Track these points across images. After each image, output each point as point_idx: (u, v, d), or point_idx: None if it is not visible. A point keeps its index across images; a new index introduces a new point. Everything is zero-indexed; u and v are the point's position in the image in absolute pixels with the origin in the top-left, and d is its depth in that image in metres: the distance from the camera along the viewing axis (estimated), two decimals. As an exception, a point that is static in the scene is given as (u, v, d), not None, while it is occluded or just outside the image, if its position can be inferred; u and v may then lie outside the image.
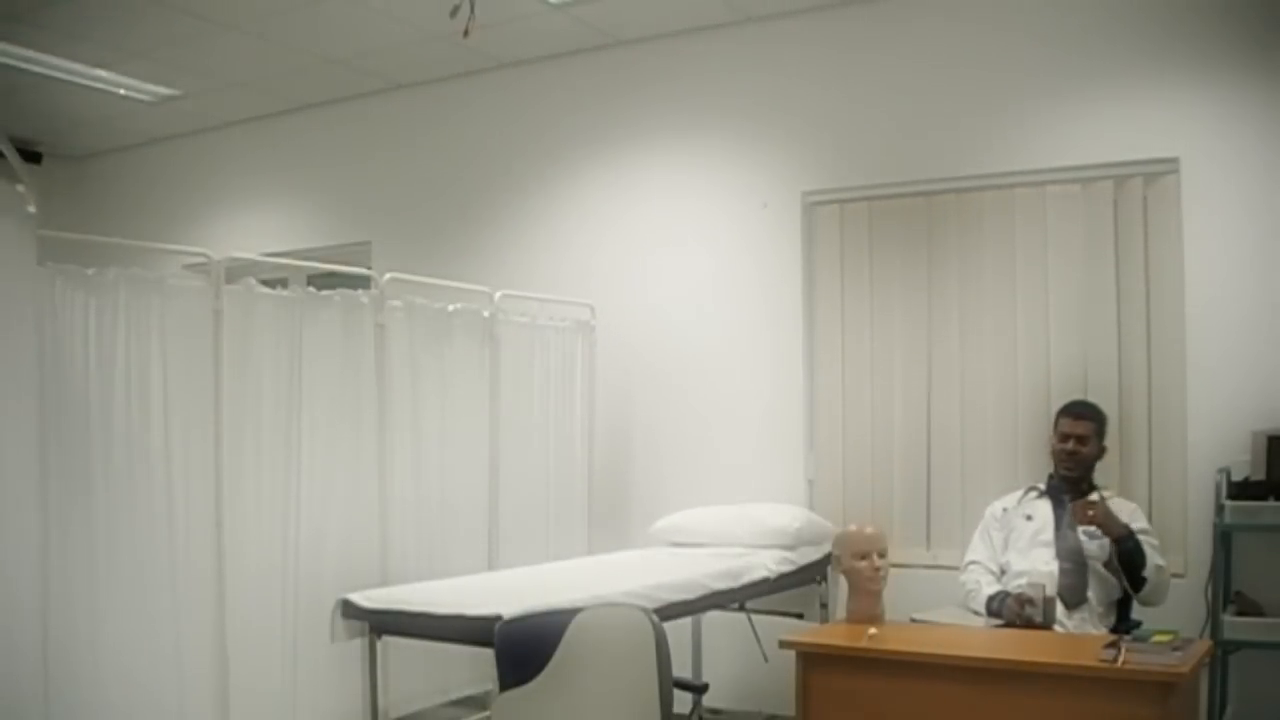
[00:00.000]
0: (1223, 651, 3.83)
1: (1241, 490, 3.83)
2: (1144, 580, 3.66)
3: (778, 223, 4.97)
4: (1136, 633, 3.22)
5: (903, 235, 4.76)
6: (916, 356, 4.73)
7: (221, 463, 3.51)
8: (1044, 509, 3.89)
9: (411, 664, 3.87)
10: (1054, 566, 3.70)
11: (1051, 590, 3.58)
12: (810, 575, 4.24)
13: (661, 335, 5.18)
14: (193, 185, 6.75)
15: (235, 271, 3.70)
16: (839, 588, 4.06)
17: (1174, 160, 4.19)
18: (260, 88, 5.99)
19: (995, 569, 3.91)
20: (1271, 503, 3.77)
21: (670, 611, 3.38)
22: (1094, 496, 3.85)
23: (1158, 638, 3.05)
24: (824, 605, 4.30)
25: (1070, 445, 3.91)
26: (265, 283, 3.83)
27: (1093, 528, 3.74)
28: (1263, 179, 4.06)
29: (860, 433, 4.83)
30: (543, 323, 4.87)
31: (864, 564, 3.66)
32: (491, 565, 4.43)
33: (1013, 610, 3.60)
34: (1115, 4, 4.31)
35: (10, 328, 2.84)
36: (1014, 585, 3.73)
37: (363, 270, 4.55)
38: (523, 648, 2.76)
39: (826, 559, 4.15)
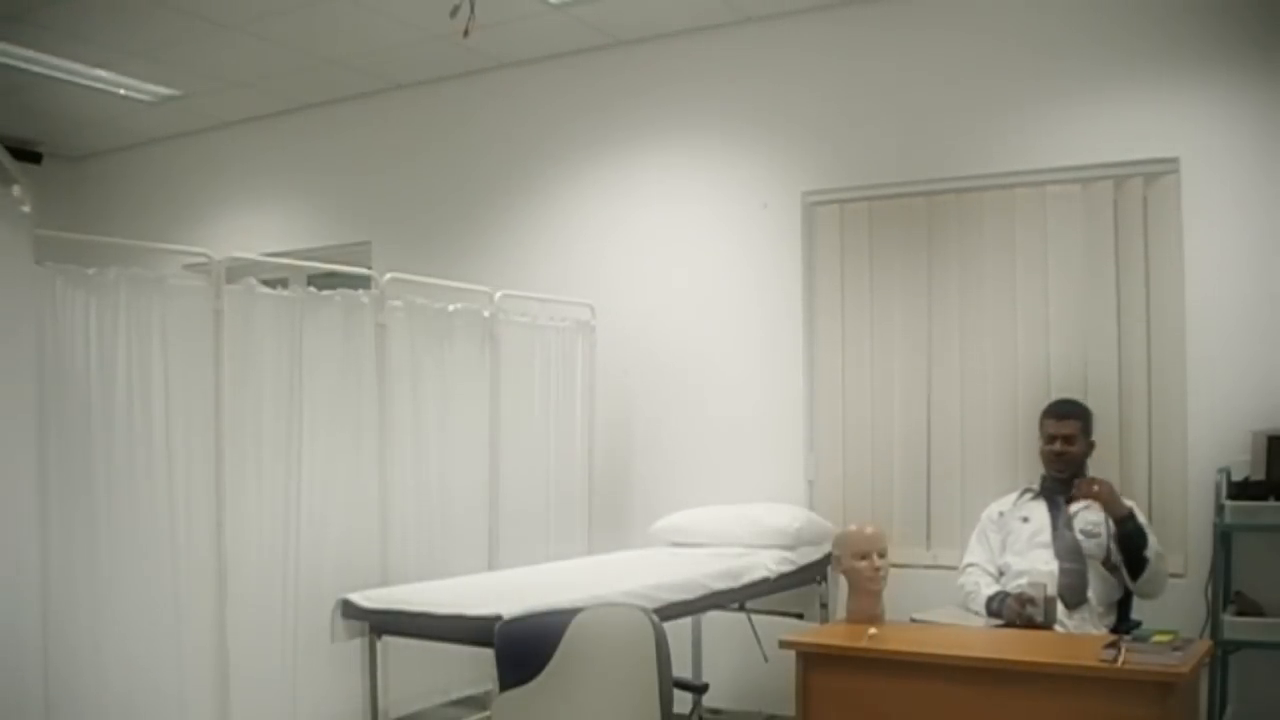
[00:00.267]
0: (1223, 651, 3.83)
1: (1241, 490, 3.83)
2: (1145, 561, 3.64)
3: (778, 223, 4.97)
4: (1136, 633, 3.23)
5: (903, 235, 4.76)
6: (916, 356, 4.73)
7: (222, 462, 3.51)
8: (1040, 510, 3.89)
9: (411, 664, 3.87)
10: (1054, 566, 3.70)
11: (1052, 590, 3.57)
12: (810, 575, 4.24)
13: (662, 335, 5.18)
14: (193, 185, 6.75)
15: (236, 271, 3.70)
16: (839, 588, 4.06)
17: (1174, 160, 4.19)
18: (260, 88, 5.99)
19: (993, 571, 3.91)
20: (1271, 503, 3.77)
21: (670, 611, 3.38)
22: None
23: (1158, 638, 3.05)
24: (824, 605, 4.30)
25: (1057, 446, 3.91)
26: (266, 283, 3.83)
27: (1090, 527, 3.74)
28: (1262, 179, 4.06)
29: (860, 433, 4.83)
30: (543, 323, 4.87)
31: (864, 564, 3.66)
32: (491, 565, 4.43)
33: (1013, 610, 3.59)
34: (1115, 5, 4.31)
35: (9, 328, 2.84)
36: (1014, 585, 3.73)
37: (363, 270, 4.56)
38: (523, 648, 2.76)
39: (826, 559, 4.15)
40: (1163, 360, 4.26)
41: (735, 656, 4.50)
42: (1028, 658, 3.13)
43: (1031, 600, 3.55)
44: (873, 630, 3.42)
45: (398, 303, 4.21)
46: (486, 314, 4.57)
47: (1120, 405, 4.32)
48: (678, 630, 3.50)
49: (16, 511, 2.84)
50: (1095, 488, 3.70)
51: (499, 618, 2.87)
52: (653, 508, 4.69)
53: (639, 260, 5.27)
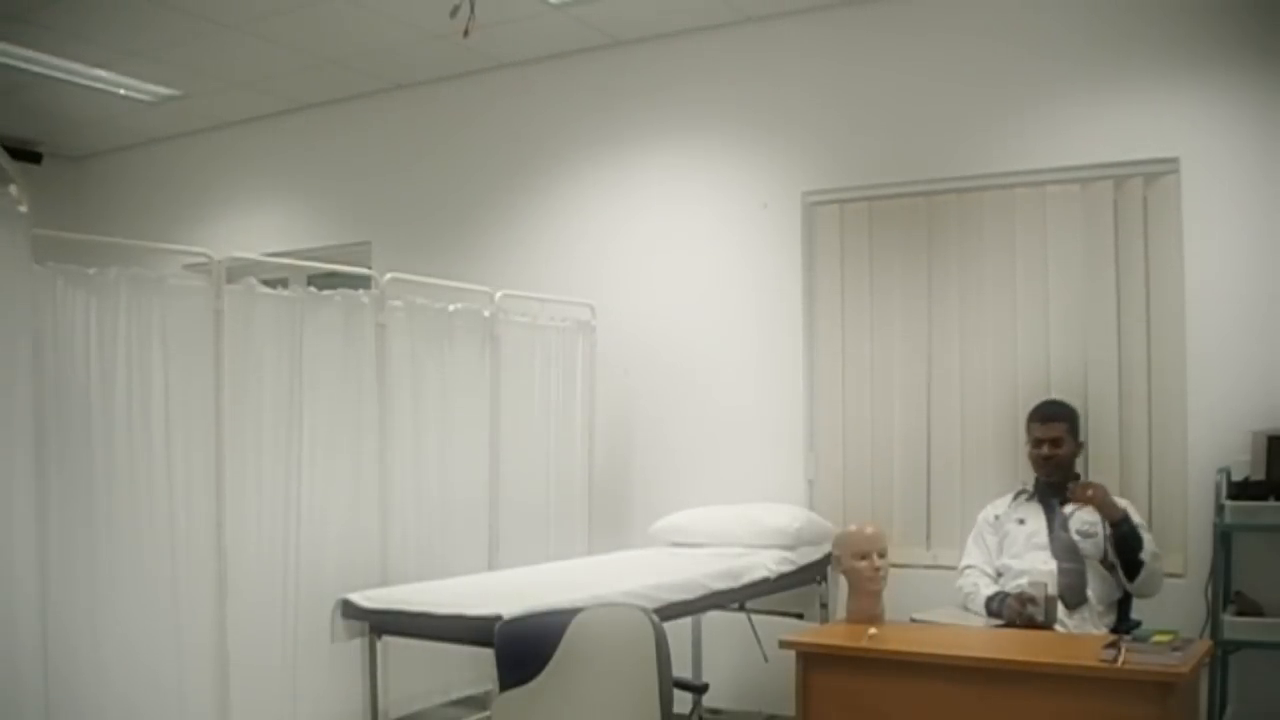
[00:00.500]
0: (1223, 651, 3.83)
1: (1241, 490, 3.83)
2: (1140, 564, 3.64)
3: (778, 223, 4.97)
4: (1136, 633, 3.23)
5: (903, 235, 4.76)
6: (916, 356, 4.73)
7: (222, 462, 3.51)
8: (1035, 512, 3.89)
9: (411, 664, 3.87)
10: (1053, 566, 3.70)
11: (1053, 589, 3.57)
12: (810, 575, 4.24)
13: (662, 335, 5.18)
14: (193, 185, 6.75)
15: (236, 271, 3.70)
16: (839, 588, 4.06)
17: (1174, 160, 4.19)
18: (260, 88, 5.99)
19: (990, 572, 3.91)
20: (1271, 503, 3.77)
21: (670, 611, 3.38)
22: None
23: (1158, 638, 3.05)
24: (824, 605, 4.30)
25: (1045, 450, 3.90)
26: (266, 283, 3.83)
27: (1086, 527, 3.74)
28: (1262, 179, 4.05)
29: (860, 433, 4.83)
30: (543, 323, 4.87)
31: (864, 564, 3.66)
32: (491, 565, 4.43)
33: (1013, 609, 3.59)
34: (1115, 5, 4.31)
35: (9, 328, 2.85)
36: (1013, 586, 3.73)
37: (363, 270, 4.56)
38: (523, 648, 2.76)
39: (826, 559, 4.15)
40: (1163, 360, 4.26)
41: (735, 656, 4.50)
42: (1028, 658, 3.13)
43: (1032, 600, 3.55)
44: (873, 630, 3.42)
45: (398, 303, 4.21)
46: (487, 314, 4.57)
47: (1120, 405, 4.32)
48: (678, 630, 3.50)
49: (16, 511, 2.84)
50: (1089, 492, 3.69)
51: (499, 618, 2.87)
52: (653, 508, 4.69)
53: (639, 260, 5.27)
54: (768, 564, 4.02)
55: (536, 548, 4.60)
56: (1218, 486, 3.93)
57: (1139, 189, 4.34)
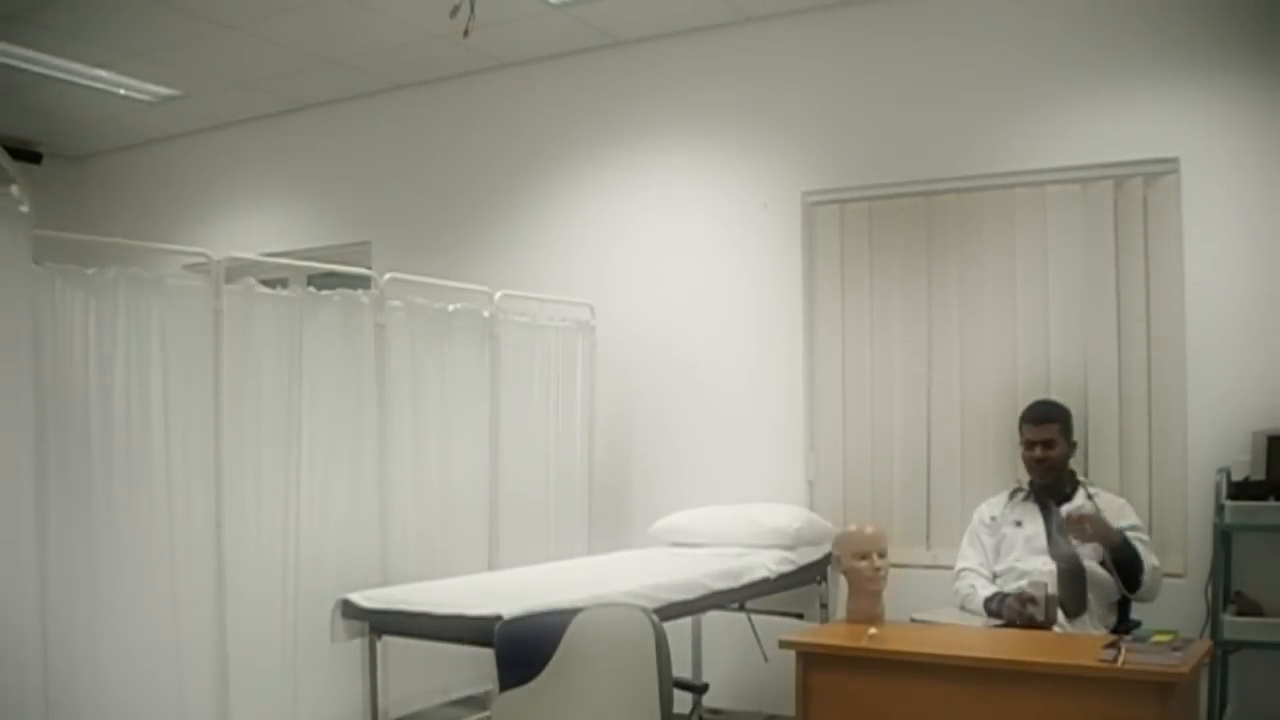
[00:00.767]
0: (1223, 651, 3.83)
1: (1241, 490, 3.83)
2: (1140, 583, 3.64)
3: (778, 223, 4.97)
4: (1136, 633, 3.22)
5: (903, 235, 4.76)
6: (916, 356, 4.73)
7: (221, 462, 3.51)
8: (1032, 514, 3.85)
9: (411, 664, 3.87)
10: (1053, 566, 3.68)
11: (1053, 589, 3.56)
12: (810, 575, 4.24)
13: (662, 335, 5.18)
14: (193, 185, 6.76)
15: (235, 271, 3.70)
16: (839, 588, 4.06)
17: (1174, 160, 4.19)
18: (260, 88, 5.99)
19: (987, 574, 3.88)
20: (1271, 503, 3.77)
21: (670, 611, 3.38)
22: (1080, 496, 3.83)
23: (1158, 638, 3.05)
24: (824, 605, 4.30)
25: (1038, 453, 3.87)
26: (265, 283, 3.83)
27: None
28: (1262, 179, 4.05)
29: (860, 433, 4.83)
30: (543, 323, 4.87)
31: (864, 564, 3.66)
32: (491, 565, 4.43)
33: (1013, 610, 3.58)
34: (1115, 5, 4.31)
35: (8, 328, 2.85)
36: (1013, 586, 3.72)
37: (363, 270, 4.56)
38: (523, 648, 2.76)
39: (826, 559, 4.15)
40: (1163, 360, 4.26)
41: (735, 656, 4.50)
42: (1028, 658, 3.13)
43: (1032, 599, 3.54)
44: (873, 630, 3.42)
45: (397, 303, 4.21)
46: (486, 314, 4.57)
47: (1120, 405, 4.32)
48: (678, 630, 3.50)
49: (16, 511, 2.84)
50: (1087, 527, 3.62)
51: (499, 618, 2.87)
52: (653, 508, 4.69)
53: (639, 260, 5.27)
54: (768, 564, 4.02)
55: (536, 548, 4.60)
56: (1218, 486, 3.93)
57: (1139, 189, 4.34)
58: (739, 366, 5.01)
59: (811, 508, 4.66)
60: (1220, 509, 3.87)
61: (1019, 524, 3.86)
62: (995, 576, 3.87)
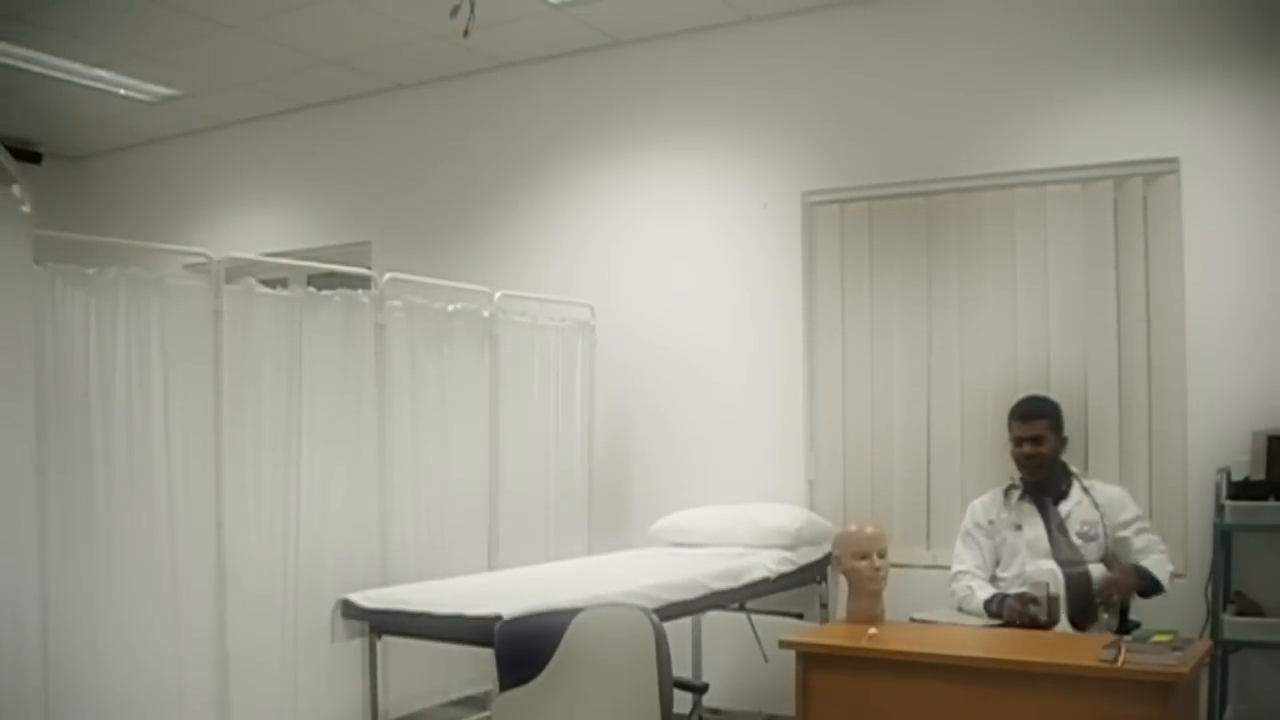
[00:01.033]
0: (1223, 651, 3.83)
1: (1241, 490, 3.83)
2: (1162, 590, 3.62)
3: (778, 223, 4.97)
4: (1136, 633, 3.22)
5: (903, 235, 4.76)
6: (916, 356, 4.73)
7: (221, 462, 3.51)
8: (1031, 516, 3.79)
9: (411, 664, 3.87)
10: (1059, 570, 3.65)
11: (1055, 588, 3.54)
12: (810, 575, 4.24)
13: (661, 335, 5.18)
14: (193, 185, 6.76)
15: (235, 271, 3.70)
16: (839, 588, 4.06)
17: (1174, 160, 4.19)
18: (260, 88, 5.99)
19: (985, 576, 3.84)
20: (1271, 503, 3.77)
21: (670, 611, 3.38)
22: (1076, 492, 3.78)
23: (1158, 638, 3.05)
24: (824, 605, 4.30)
25: (1027, 449, 3.82)
26: (265, 283, 3.83)
27: (1087, 528, 3.70)
28: (1262, 179, 4.05)
29: (860, 433, 4.83)
30: (543, 323, 4.87)
31: (864, 564, 3.66)
32: (491, 565, 4.43)
33: (1015, 610, 3.56)
34: (1115, 5, 4.31)
35: (9, 328, 2.85)
36: (1014, 589, 3.70)
37: (363, 270, 4.56)
38: (523, 648, 2.76)
39: (826, 559, 4.15)
40: (1163, 360, 4.26)
41: (735, 656, 4.50)
42: (1028, 658, 3.13)
43: (1034, 599, 3.53)
44: (873, 630, 3.42)
45: (397, 303, 4.21)
46: (486, 314, 4.57)
47: (1120, 405, 4.32)
48: (678, 630, 3.50)
49: (16, 511, 2.84)
50: (1115, 598, 3.55)
51: (499, 618, 2.87)
52: (653, 508, 4.69)
53: (639, 260, 5.27)
54: (768, 564, 4.02)
55: (536, 548, 4.60)
56: (1218, 486, 3.93)
57: (1139, 189, 4.34)
58: (739, 366, 5.01)
59: (811, 508, 4.66)
60: (1220, 509, 3.88)
61: (1019, 527, 3.81)
62: (995, 579, 3.84)
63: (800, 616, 4.32)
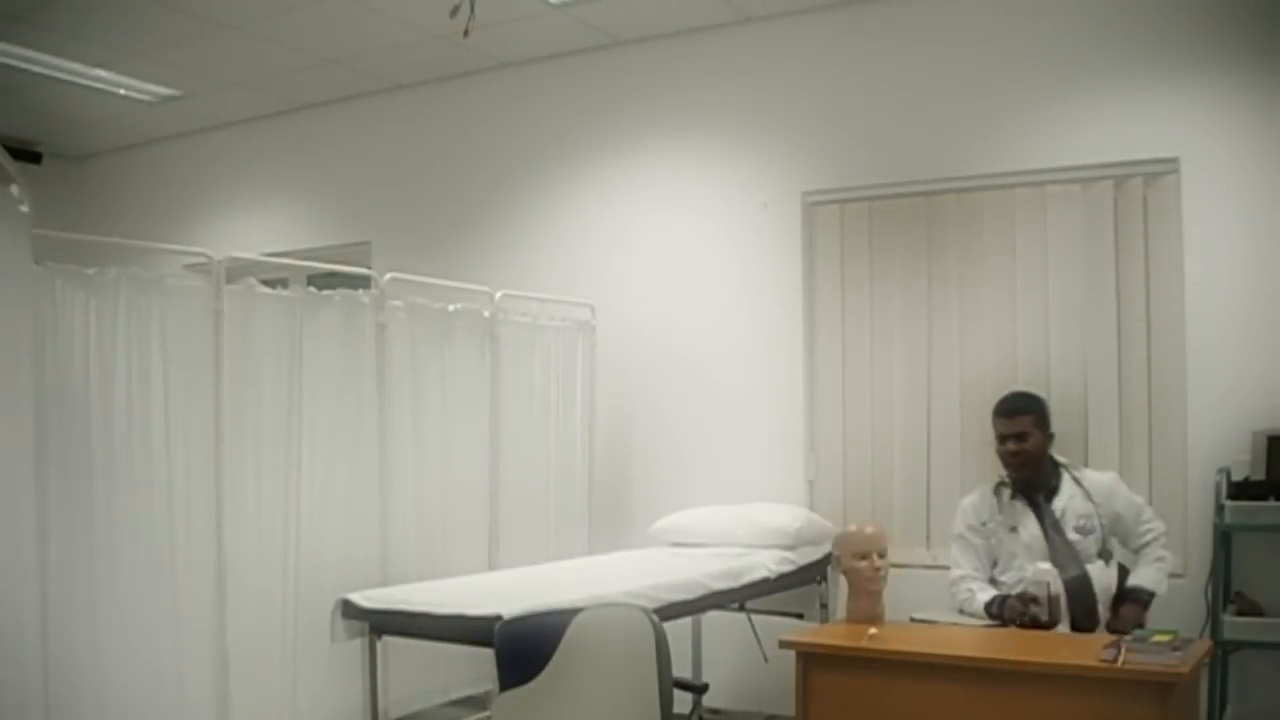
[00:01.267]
0: (1223, 651, 3.83)
1: (1241, 490, 3.83)
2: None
3: (778, 223, 4.97)
4: (1136, 633, 3.22)
5: (903, 235, 4.76)
6: (916, 356, 4.73)
7: (222, 462, 3.51)
8: (1025, 516, 3.74)
9: (411, 664, 3.87)
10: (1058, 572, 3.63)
11: (1055, 588, 3.52)
12: (810, 575, 4.24)
13: (662, 335, 5.18)
14: (193, 185, 6.76)
15: (235, 271, 3.70)
16: (839, 588, 4.06)
17: (1174, 160, 4.19)
18: (260, 88, 5.99)
19: (984, 578, 3.81)
20: (1271, 503, 3.77)
21: (670, 611, 3.38)
22: (1068, 484, 3.73)
23: (1158, 638, 3.05)
24: (824, 605, 4.30)
25: (1010, 446, 3.74)
26: (265, 283, 3.84)
27: (1082, 521, 3.66)
28: (1262, 179, 4.05)
29: (860, 433, 4.83)
30: (543, 323, 4.87)
31: (864, 564, 3.66)
32: (491, 565, 4.43)
33: (1016, 610, 3.55)
34: (1115, 5, 4.31)
35: (8, 328, 2.85)
36: (1015, 591, 3.68)
37: (363, 270, 4.56)
38: (523, 648, 2.76)
39: (826, 559, 4.15)
40: (1163, 360, 4.26)
41: (735, 656, 4.50)
42: (1028, 658, 3.13)
43: (1035, 599, 3.51)
44: (873, 630, 3.42)
45: (398, 303, 4.21)
46: (487, 314, 4.57)
47: (1120, 405, 4.32)
48: (678, 630, 3.50)
49: (16, 511, 2.84)
50: (1127, 631, 3.40)
51: (499, 618, 2.87)
52: (653, 508, 4.69)
53: (639, 260, 5.27)
54: (768, 564, 4.02)
55: (536, 548, 4.60)
56: (1218, 486, 3.93)
57: (1139, 189, 4.34)
58: (739, 366, 5.01)
59: (811, 508, 4.66)
60: (1220, 509, 3.88)
61: (1014, 529, 3.76)
62: (994, 581, 3.82)
63: (800, 616, 4.32)
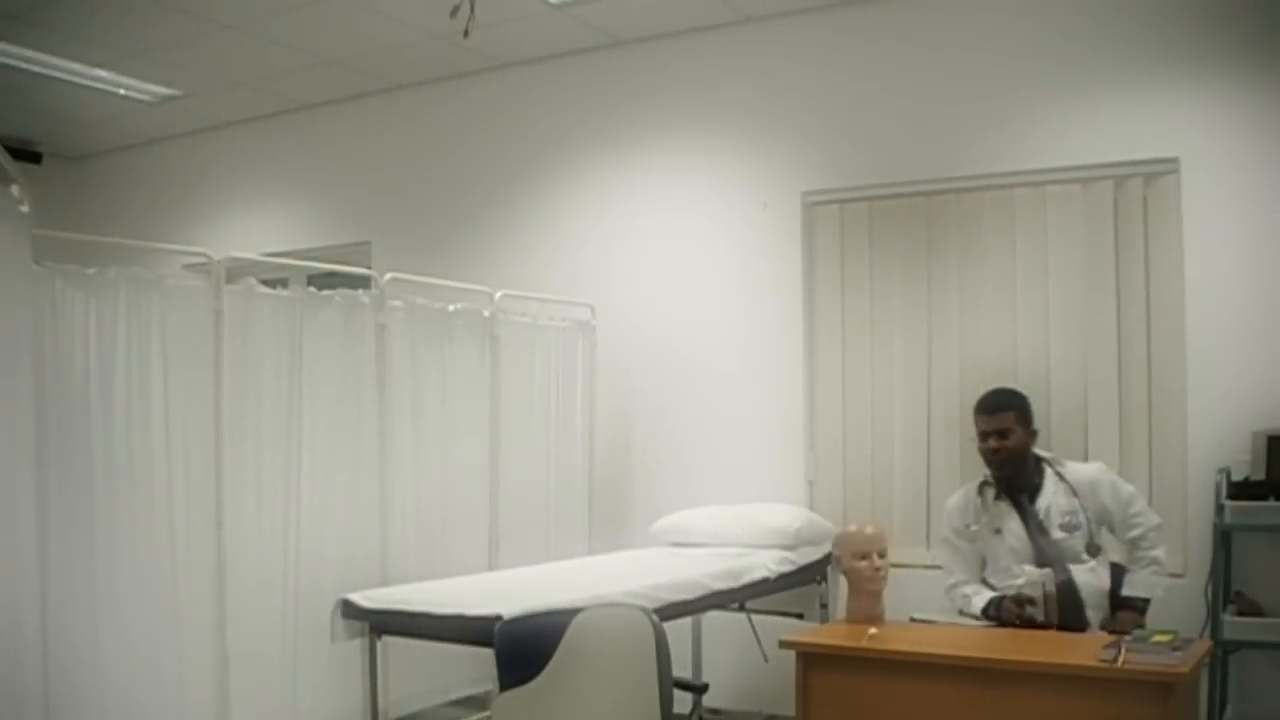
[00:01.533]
0: (1223, 651, 3.83)
1: (1241, 490, 3.83)
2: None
3: (777, 223, 4.97)
4: (1137, 633, 3.22)
5: (903, 235, 4.76)
6: (916, 356, 4.73)
7: (222, 463, 3.51)
8: (1010, 517, 3.70)
9: (411, 664, 3.87)
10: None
11: (1051, 587, 3.53)
12: (810, 575, 4.24)
13: (662, 335, 5.18)
14: (193, 185, 6.76)
15: (235, 271, 3.70)
16: (839, 588, 4.06)
17: (1174, 160, 4.19)
18: (260, 88, 5.99)
19: (978, 581, 3.79)
20: (1271, 503, 3.77)
21: (670, 611, 3.38)
22: (1051, 481, 3.68)
23: (1158, 638, 3.05)
24: (824, 605, 4.30)
25: (992, 444, 3.68)
26: (265, 283, 3.83)
27: (1067, 519, 3.61)
28: (1262, 179, 4.05)
29: (860, 433, 4.83)
30: (543, 323, 4.87)
31: (864, 564, 3.66)
32: (491, 565, 4.43)
33: (1012, 612, 3.55)
34: (1115, 5, 4.31)
35: (8, 328, 2.84)
36: (1010, 593, 3.67)
37: (363, 270, 4.56)
38: (523, 648, 2.76)
39: (826, 559, 4.15)
40: (1163, 360, 4.26)
41: (735, 656, 4.50)
42: (1028, 658, 3.13)
43: (1030, 600, 3.53)
44: (873, 630, 3.42)
45: (398, 303, 4.21)
46: (487, 314, 4.57)
47: (1120, 405, 4.32)
48: (678, 630, 3.50)
49: (16, 510, 2.84)
50: (1127, 626, 3.41)
51: (499, 618, 2.87)
52: (653, 508, 4.69)
53: (639, 260, 5.27)
54: (768, 564, 4.02)
55: (536, 548, 4.60)
56: (1218, 486, 3.93)
57: (1139, 189, 4.34)
58: (739, 366, 5.01)
59: (811, 507, 4.66)
60: (1220, 509, 3.88)
61: (998, 531, 3.72)
62: (985, 583, 3.79)
63: (800, 616, 4.32)
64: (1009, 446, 3.69)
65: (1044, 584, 3.53)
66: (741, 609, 4.15)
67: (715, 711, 4.71)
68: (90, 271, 3.23)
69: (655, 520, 4.56)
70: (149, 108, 6.21)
